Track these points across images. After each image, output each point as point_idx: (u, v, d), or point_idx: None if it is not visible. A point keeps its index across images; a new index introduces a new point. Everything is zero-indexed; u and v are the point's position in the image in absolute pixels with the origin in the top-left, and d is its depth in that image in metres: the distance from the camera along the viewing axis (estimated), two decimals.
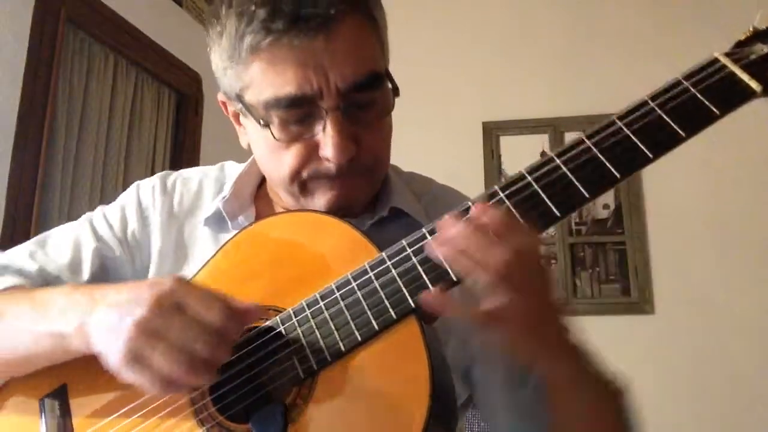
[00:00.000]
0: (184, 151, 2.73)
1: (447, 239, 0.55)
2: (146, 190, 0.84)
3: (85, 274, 0.77)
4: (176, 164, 2.69)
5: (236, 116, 0.76)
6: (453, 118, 3.27)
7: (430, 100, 3.14)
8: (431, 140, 3.11)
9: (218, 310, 0.55)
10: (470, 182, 2.97)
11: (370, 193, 0.75)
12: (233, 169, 0.85)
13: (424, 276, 0.58)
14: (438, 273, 0.58)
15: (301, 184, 0.70)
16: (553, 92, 3.22)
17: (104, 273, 0.79)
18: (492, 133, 3.26)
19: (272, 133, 0.67)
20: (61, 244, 0.79)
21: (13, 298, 0.68)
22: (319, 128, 0.66)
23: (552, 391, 0.63)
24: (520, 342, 0.57)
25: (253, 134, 0.73)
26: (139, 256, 0.81)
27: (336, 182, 0.69)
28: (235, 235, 0.70)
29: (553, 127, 3.19)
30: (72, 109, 2.16)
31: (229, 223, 0.78)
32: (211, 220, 0.80)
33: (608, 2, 3.30)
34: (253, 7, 0.63)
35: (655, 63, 3.08)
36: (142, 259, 0.81)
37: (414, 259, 0.59)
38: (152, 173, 2.55)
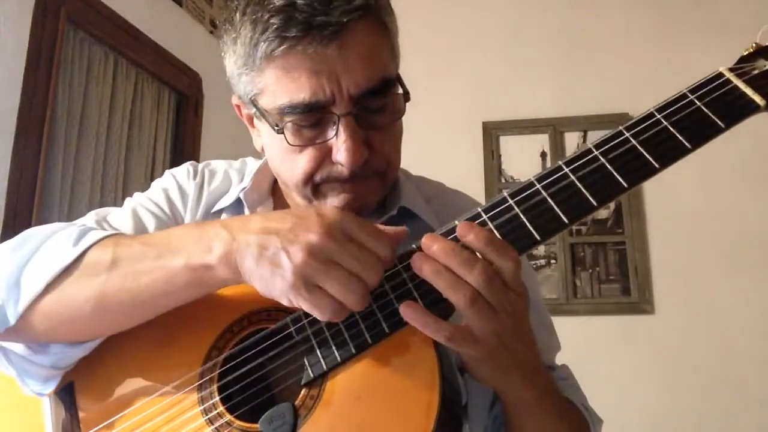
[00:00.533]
0: (184, 151, 2.73)
1: (428, 256, 0.56)
2: (182, 175, 0.85)
3: None
4: (176, 164, 2.67)
5: (250, 119, 0.77)
6: (453, 118, 3.28)
7: (430, 100, 3.15)
8: (431, 140, 3.11)
9: (386, 241, 0.56)
10: (470, 182, 2.99)
11: (382, 195, 0.76)
12: (254, 164, 0.86)
13: None
14: None
15: (314, 187, 0.71)
16: (553, 92, 3.22)
17: None
18: (492, 133, 3.26)
19: (286, 139, 0.68)
20: (121, 219, 0.78)
21: (119, 245, 0.63)
22: (331, 133, 0.67)
23: (520, 409, 0.64)
24: (490, 361, 0.57)
25: (266, 138, 0.74)
26: None
27: (348, 185, 0.70)
28: None
29: (553, 127, 3.19)
30: (72, 109, 2.16)
31: (247, 212, 0.79)
32: (231, 209, 0.81)
33: (608, 3, 3.31)
34: (267, 16, 0.64)
35: (654, 63, 3.10)
36: None
37: None
38: (152, 173, 2.58)
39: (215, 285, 0.60)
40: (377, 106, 0.68)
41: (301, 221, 0.55)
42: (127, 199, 0.84)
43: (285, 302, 0.56)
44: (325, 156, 0.69)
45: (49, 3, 2.00)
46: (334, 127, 0.67)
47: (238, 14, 0.67)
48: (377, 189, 0.74)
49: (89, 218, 0.78)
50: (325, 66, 0.64)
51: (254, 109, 0.71)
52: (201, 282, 0.60)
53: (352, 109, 0.66)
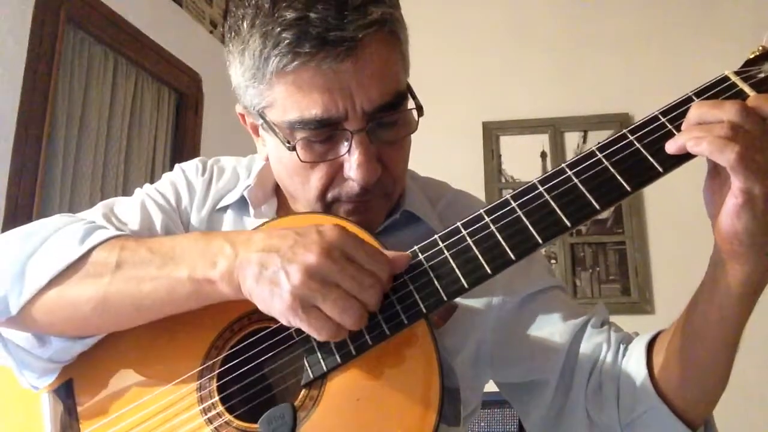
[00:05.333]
0: (184, 151, 2.73)
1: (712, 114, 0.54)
2: (191, 170, 0.85)
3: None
4: (176, 164, 2.68)
5: (255, 128, 0.76)
6: (453, 118, 3.27)
7: (430, 100, 3.10)
8: (431, 140, 3.09)
9: (384, 262, 0.56)
10: (470, 182, 2.99)
11: (387, 212, 0.75)
12: (261, 162, 0.85)
13: (436, 283, 0.59)
14: (449, 280, 0.58)
15: (326, 206, 0.70)
16: (553, 92, 3.22)
17: None
18: (492, 133, 3.26)
19: (298, 156, 0.66)
20: (129, 211, 0.78)
21: (125, 248, 0.64)
22: (344, 149, 0.66)
23: (735, 301, 0.61)
24: (764, 215, 0.53)
25: (274, 150, 0.72)
26: (185, 228, 0.81)
27: (358, 206, 0.69)
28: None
29: (553, 127, 3.19)
30: (72, 109, 2.15)
31: (251, 210, 0.79)
32: (235, 206, 0.81)
33: (608, 3, 3.31)
34: (278, 29, 0.62)
35: (654, 63, 3.10)
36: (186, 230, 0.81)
37: (426, 265, 0.60)
38: (152, 173, 2.57)
39: (215, 299, 0.61)
40: (390, 120, 0.67)
41: (301, 239, 0.55)
42: (137, 190, 0.84)
43: (284, 322, 0.56)
44: (337, 172, 0.67)
45: (49, 3, 1.99)
46: (347, 143, 0.65)
47: (245, 24, 0.65)
48: (383, 208, 0.73)
49: (96, 211, 0.77)
50: (339, 82, 0.62)
51: (262, 121, 0.70)
52: (201, 295, 0.60)
53: (365, 125, 0.64)
